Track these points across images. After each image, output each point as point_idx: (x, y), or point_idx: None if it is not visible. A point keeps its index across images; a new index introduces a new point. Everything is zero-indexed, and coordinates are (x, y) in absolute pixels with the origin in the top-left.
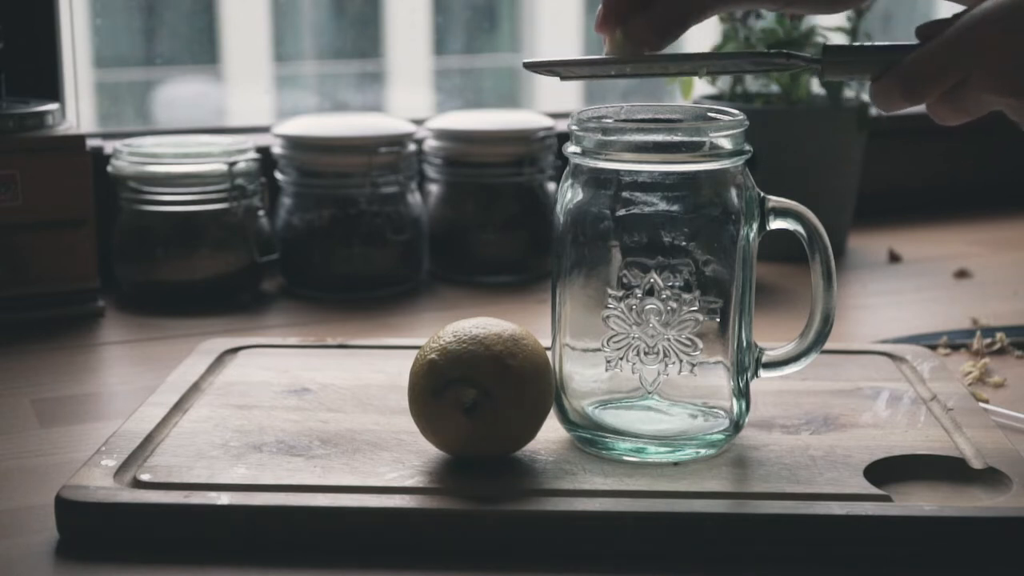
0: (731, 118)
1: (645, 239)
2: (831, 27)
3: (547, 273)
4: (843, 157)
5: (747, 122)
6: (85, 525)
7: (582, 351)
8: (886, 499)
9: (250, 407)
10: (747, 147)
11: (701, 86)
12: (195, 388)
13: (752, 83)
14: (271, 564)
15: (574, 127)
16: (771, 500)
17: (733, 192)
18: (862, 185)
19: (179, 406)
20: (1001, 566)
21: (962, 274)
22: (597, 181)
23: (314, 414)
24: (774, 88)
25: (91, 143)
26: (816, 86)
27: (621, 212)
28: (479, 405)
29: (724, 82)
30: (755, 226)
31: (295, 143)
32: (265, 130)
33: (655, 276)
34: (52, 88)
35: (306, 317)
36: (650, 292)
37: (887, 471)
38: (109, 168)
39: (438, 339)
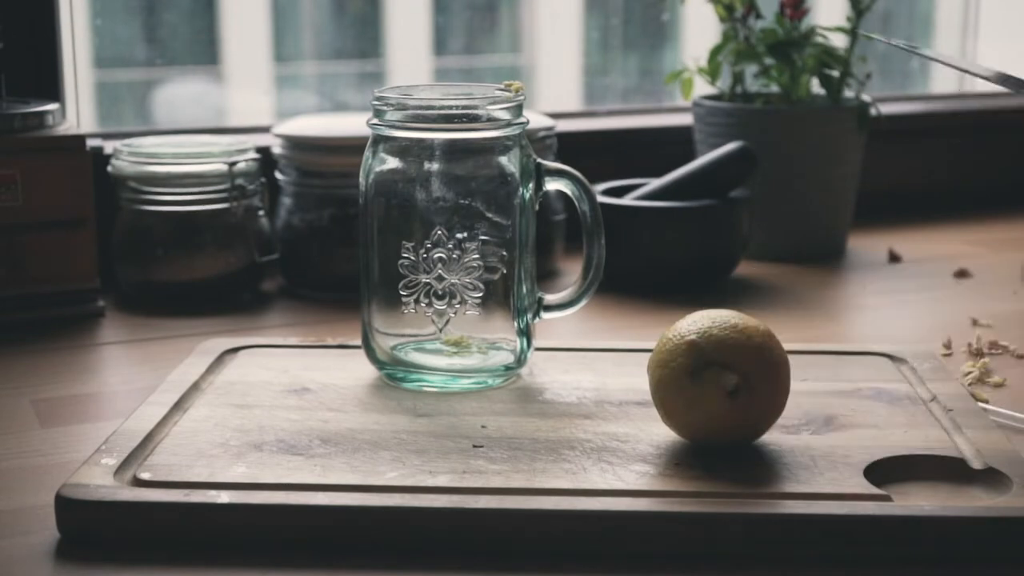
0: (508, 94)
1: (435, 197)
2: (831, 27)
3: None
4: (843, 157)
5: (523, 98)
6: (85, 524)
7: (385, 298)
8: (886, 499)
9: (250, 406)
10: (522, 119)
11: (701, 86)
12: (195, 388)
13: (752, 83)
14: (271, 564)
15: (375, 102)
16: (771, 500)
17: (510, 157)
18: (862, 185)
19: (179, 405)
20: (1001, 566)
21: (962, 274)
22: (396, 149)
23: (314, 413)
24: (774, 88)
25: (91, 143)
26: (816, 86)
27: (415, 175)
28: (740, 390)
29: (724, 82)
30: (531, 186)
31: (295, 143)
32: (265, 130)
33: (442, 230)
34: (52, 88)
35: (306, 317)
36: (439, 243)
37: (887, 471)
38: (109, 168)
39: (693, 323)
